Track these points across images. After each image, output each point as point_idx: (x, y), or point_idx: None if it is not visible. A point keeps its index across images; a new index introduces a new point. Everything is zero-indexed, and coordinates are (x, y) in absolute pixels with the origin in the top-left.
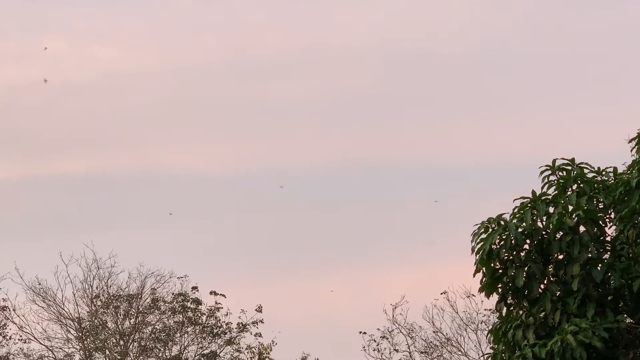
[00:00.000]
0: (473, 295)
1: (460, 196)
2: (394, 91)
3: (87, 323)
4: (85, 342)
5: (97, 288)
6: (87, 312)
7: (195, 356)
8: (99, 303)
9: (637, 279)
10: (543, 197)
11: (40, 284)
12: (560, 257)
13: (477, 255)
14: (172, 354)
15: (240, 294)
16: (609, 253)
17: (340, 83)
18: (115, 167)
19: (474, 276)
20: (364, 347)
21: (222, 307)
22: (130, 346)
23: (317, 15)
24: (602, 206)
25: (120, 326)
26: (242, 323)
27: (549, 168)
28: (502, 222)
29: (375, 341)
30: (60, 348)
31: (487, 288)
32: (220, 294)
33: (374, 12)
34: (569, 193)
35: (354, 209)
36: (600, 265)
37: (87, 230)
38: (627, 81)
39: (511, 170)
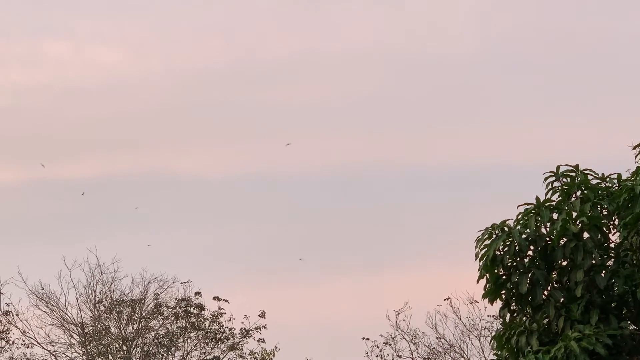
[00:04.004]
0: (476, 301)
1: (464, 202)
2: (396, 95)
3: (90, 328)
4: (88, 347)
5: (100, 293)
6: (90, 317)
7: None
8: (102, 308)
9: None
10: (547, 204)
11: (43, 289)
12: (564, 263)
13: (481, 262)
14: (175, 359)
15: (243, 300)
16: (612, 260)
17: (343, 86)
18: (118, 172)
19: (477, 282)
20: (366, 353)
21: (225, 313)
22: (133, 351)
23: (319, 19)
24: (606, 213)
25: (123, 331)
26: (245, 328)
27: (553, 174)
28: (506, 228)
29: (378, 347)
30: (63, 353)
31: (491, 294)
32: (224, 300)
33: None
34: (572, 199)
35: (356, 214)
36: (604, 271)
37: (91, 235)
38: (632, 87)
39: (515, 176)
